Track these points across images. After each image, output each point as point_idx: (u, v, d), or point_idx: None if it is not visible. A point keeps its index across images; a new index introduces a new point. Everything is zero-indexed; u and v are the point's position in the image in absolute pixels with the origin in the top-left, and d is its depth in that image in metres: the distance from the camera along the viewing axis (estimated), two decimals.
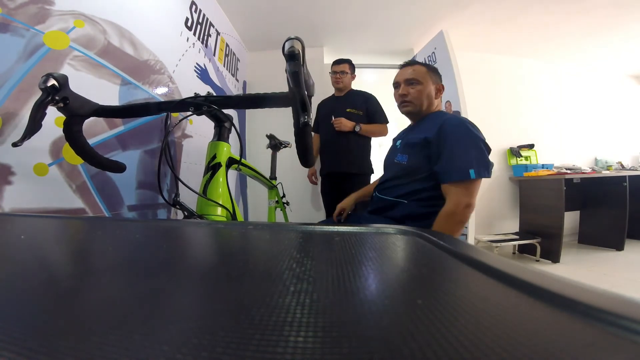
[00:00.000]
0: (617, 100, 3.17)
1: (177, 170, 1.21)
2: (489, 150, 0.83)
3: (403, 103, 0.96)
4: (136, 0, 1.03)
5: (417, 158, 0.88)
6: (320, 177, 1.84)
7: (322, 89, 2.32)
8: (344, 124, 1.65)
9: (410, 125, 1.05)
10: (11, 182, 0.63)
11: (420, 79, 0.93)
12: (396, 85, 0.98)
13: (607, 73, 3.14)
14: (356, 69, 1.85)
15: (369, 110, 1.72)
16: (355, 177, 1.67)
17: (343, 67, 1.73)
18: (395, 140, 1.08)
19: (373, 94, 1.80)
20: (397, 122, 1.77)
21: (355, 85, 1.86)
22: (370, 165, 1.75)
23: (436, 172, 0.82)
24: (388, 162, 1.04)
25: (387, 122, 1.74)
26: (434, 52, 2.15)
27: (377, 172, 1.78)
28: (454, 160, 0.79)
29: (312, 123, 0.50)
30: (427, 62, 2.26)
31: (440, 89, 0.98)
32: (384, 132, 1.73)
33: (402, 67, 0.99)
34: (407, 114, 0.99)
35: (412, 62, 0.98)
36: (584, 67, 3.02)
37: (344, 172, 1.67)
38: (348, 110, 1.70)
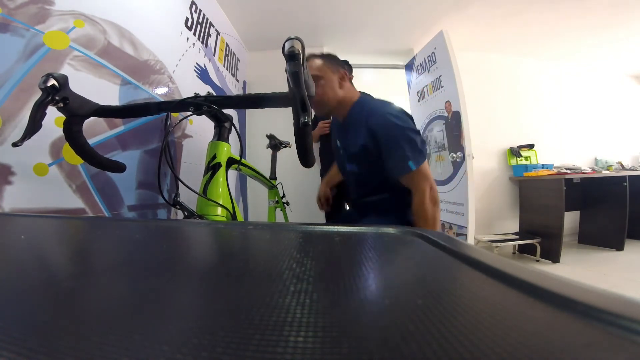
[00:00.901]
0: (617, 100, 3.17)
1: (177, 170, 1.21)
2: (417, 132, 0.86)
3: (315, 108, 0.92)
4: (136, 0, 1.03)
5: (366, 165, 0.91)
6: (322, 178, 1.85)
7: None
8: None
9: (337, 121, 1.01)
10: (11, 182, 0.63)
11: (319, 74, 0.87)
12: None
13: (607, 73, 3.14)
14: (355, 69, 1.85)
15: None
16: None
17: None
18: (335, 140, 1.06)
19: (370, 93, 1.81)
20: None
21: (355, 84, 1.86)
22: None
23: (389, 169, 0.86)
24: (341, 167, 1.06)
25: None
26: (433, 52, 2.15)
27: None
28: (393, 158, 0.84)
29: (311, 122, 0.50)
30: (426, 61, 2.26)
31: (343, 76, 0.91)
32: None
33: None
34: (326, 115, 1.01)
35: (308, 58, 0.90)
36: (584, 67, 3.02)
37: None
38: None
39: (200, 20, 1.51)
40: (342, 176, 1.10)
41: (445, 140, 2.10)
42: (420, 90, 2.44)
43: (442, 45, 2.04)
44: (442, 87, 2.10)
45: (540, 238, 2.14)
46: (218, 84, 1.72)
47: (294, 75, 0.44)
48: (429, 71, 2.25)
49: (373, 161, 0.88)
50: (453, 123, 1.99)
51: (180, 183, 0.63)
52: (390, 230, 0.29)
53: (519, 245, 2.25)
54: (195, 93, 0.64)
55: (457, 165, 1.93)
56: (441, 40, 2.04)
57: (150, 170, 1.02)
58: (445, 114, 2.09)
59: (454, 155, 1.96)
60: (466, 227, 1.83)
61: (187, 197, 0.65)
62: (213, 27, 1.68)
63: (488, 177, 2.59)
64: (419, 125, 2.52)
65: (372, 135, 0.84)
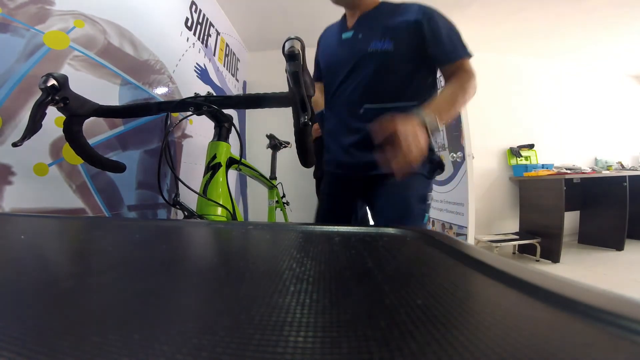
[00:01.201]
0: (617, 100, 3.17)
1: (177, 170, 1.21)
2: None
3: None
4: (136, 0, 1.03)
5: (408, 42, 0.72)
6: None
7: None
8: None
9: (347, 17, 0.83)
10: (11, 182, 0.63)
11: None
12: None
13: (607, 73, 3.14)
14: None
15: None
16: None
17: None
18: (332, 34, 0.86)
19: None
20: None
21: None
22: None
23: (437, 54, 0.73)
24: (347, 56, 0.77)
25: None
26: None
27: None
28: (453, 42, 0.73)
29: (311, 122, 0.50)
30: None
31: None
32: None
33: None
34: (348, 3, 0.79)
35: None
36: (584, 67, 3.02)
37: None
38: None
39: (200, 20, 1.51)
40: (341, 70, 0.79)
41: (445, 140, 2.09)
42: None
43: None
44: (441, 86, 2.11)
45: (540, 238, 2.14)
46: (218, 84, 1.73)
47: (294, 75, 0.44)
48: None
49: (417, 41, 0.72)
50: (453, 123, 1.99)
51: (180, 183, 0.63)
52: (390, 230, 0.29)
53: (519, 245, 2.25)
54: (195, 93, 0.64)
55: (457, 165, 1.92)
56: None
57: (150, 170, 1.02)
58: None
59: (454, 155, 1.96)
60: (466, 227, 1.83)
61: (187, 197, 0.65)
62: (213, 27, 1.68)
63: (488, 177, 2.59)
64: None
65: (430, 17, 0.72)
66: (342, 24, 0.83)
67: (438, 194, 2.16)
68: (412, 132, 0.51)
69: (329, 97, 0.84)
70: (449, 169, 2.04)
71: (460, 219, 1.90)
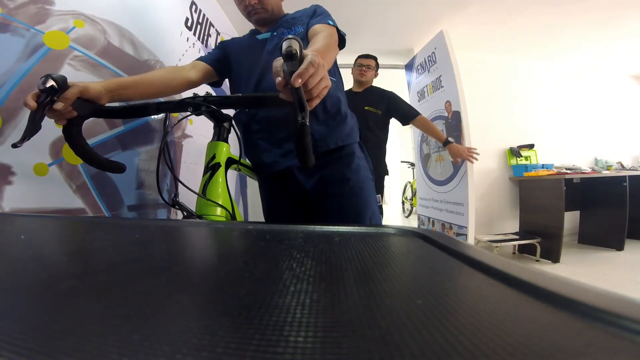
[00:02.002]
0: (617, 100, 3.17)
1: (177, 170, 1.21)
2: None
3: (253, 11, 0.86)
4: (136, 0, 1.03)
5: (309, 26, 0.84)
6: None
7: None
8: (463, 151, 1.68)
9: (257, 29, 0.93)
10: (11, 182, 0.63)
11: None
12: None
13: (607, 73, 3.15)
14: None
15: (390, 109, 1.66)
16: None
17: (370, 62, 1.71)
18: (241, 39, 0.96)
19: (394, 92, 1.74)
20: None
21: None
22: (386, 166, 1.72)
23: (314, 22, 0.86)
24: (251, 60, 0.86)
25: (419, 114, 1.67)
26: (434, 52, 2.15)
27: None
28: (325, 15, 0.87)
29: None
30: (426, 61, 2.26)
31: None
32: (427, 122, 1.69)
33: None
34: (260, 21, 0.88)
35: None
36: (584, 67, 3.02)
37: None
38: (366, 108, 1.63)
39: (200, 20, 1.51)
40: (259, 70, 0.84)
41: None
42: (420, 90, 2.44)
43: (442, 45, 2.03)
44: (442, 87, 2.10)
45: (540, 238, 2.14)
46: None
47: (292, 75, 0.44)
48: (429, 71, 2.25)
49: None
50: (453, 123, 1.99)
51: (179, 183, 0.63)
52: (390, 230, 0.29)
53: (519, 245, 2.25)
54: (194, 93, 0.64)
55: (457, 165, 1.93)
56: (441, 40, 2.03)
57: (150, 170, 1.02)
58: (446, 114, 2.09)
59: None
60: (466, 227, 1.83)
61: (187, 198, 0.65)
62: (213, 27, 1.68)
63: (488, 177, 2.59)
64: None
65: (315, 8, 0.88)
66: (252, 33, 0.95)
67: (438, 194, 2.16)
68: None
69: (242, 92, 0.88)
70: (448, 169, 2.04)
71: (460, 218, 1.90)
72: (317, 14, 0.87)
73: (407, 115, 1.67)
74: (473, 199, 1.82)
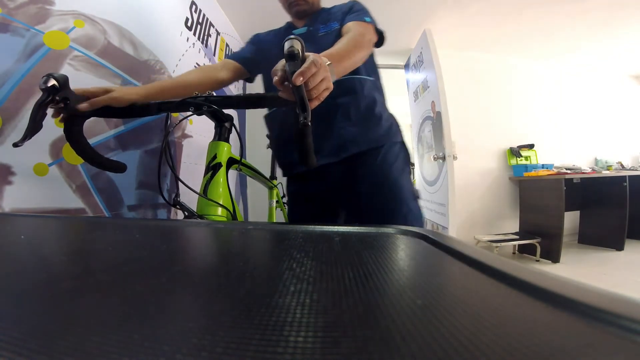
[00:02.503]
0: (617, 100, 3.17)
1: (178, 170, 1.21)
2: None
3: (295, 3, 0.88)
4: (136, 0, 1.03)
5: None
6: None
7: None
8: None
9: (294, 24, 0.94)
10: (11, 182, 0.63)
11: None
12: None
13: (607, 73, 3.15)
14: None
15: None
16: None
17: None
18: (276, 33, 0.95)
19: None
20: None
21: None
22: None
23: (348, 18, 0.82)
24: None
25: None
26: (421, 52, 2.14)
27: None
28: (363, 10, 0.85)
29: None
30: (417, 61, 2.26)
31: None
32: None
33: None
34: (300, 13, 0.90)
35: None
36: (584, 67, 3.02)
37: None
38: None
39: (200, 20, 1.51)
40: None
41: (433, 141, 2.09)
42: (414, 91, 2.43)
43: (426, 45, 2.02)
44: (428, 87, 2.08)
45: (540, 238, 2.14)
46: None
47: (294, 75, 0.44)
48: (419, 71, 2.24)
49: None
50: (438, 123, 1.97)
51: (180, 183, 0.63)
52: (390, 230, 0.29)
53: (519, 245, 2.25)
54: (195, 93, 0.64)
55: (441, 165, 1.91)
56: (425, 40, 2.01)
57: (150, 170, 1.02)
58: (432, 115, 2.07)
59: (435, 155, 1.95)
60: (447, 228, 1.81)
61: (188, 197, 0.65)
62: (213, 27, 1.68)
63: (488, 177, 2.59)
64: (415, 125, 2.52)
65: (352, 4, 0.87)
66: (290, 27, 0.95)
67: (429, 194, 2.16)
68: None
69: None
70: (434, 170, 2.03)
71: (443, 219, 1.89)
72: (353, 11, 0.85)
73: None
74: (454, 200, 1.79)
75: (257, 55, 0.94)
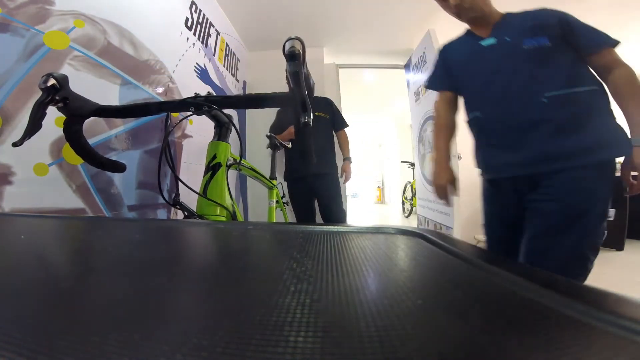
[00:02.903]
0: None
1: (177, 170, 1.21)
2: None
3: (463, 11, 0.86)
4: (136, 0, 1.04)
5: (559, 36, 0.77)
6: (289, 182, 1.77)
7: (322, 89, 2.32)
8: (349, 172, 1.76)
9: (473, 31, 0.90)
10: (11, 182, 0.63)
11: None
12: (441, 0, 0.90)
13: None
14: (356, 69, 1.88)
15: (335, 114, 1.79)
16: (330, 176, 1.71)
17: None
18: (464, 44, 0.91)
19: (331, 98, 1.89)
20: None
21: (355, 85, 1.89)
22: (336, 166, 1.80)
23: (583, 45, 0.76)
24: (497, 57, 0.81)
25: (348, 126, 1.83)
26: (424, 52, 2.14)
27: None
28: (591, 32, 0.77)
29: (312, 123, 0.50)
30: (419, 61, 2.26)
31: None
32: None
33: None
34: (471, 20, 0.88)
35: None
36: None
37: (318, 173, 1.67)
38: (317, 113, 1.71)
39: (200, 20, 1.51)
40: (491, 76, 0.82)
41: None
42: (416, 91, 2.43)
43: (430, 45, 2.02)
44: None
45: None
46: (218, 84, 1.73)
47: (294, 75, 0.44)
48: (421, 71, 2.24)
49: (563, 38, 0.76)
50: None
51: (180, 183, 0.63)
52: (390, 230, 0.29)
53: None
54: (195, 93, 0.64)
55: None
56: (429, 40, 2.02)
57: (150, 170, 1.02)
58: (434, 115, 2.08)
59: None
60: (452, 228, 1.81)
61: (187, 197, 0.65)
62: (213, 27, 1.68)
63: None
64: (416, 125, 2.52)
65: (560, 17, 0.78)
66: (471, 36, 0.90)
67: (430, 194, 2.16)
68: None
69: (473, 101, 0.89)
70: None
71: (447, 219, 1.89)
72: (575, 26, 0.77)
73: (341, 122, 1.80)
74: (458, 200, 1.78)
75: (450, 71, 0.95)
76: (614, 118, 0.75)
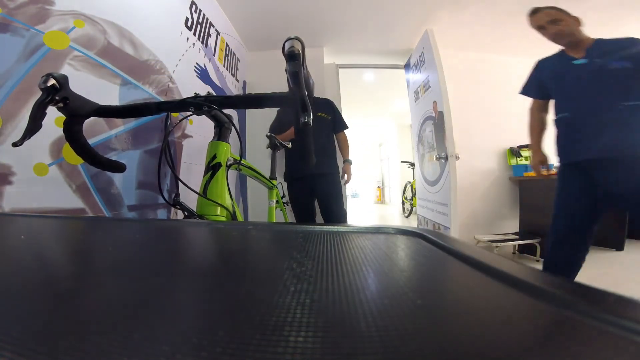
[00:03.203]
0: None
1: (177, 170, 1.21)
2: None
3: (561, 37, 1.11)
4: (136, 0, 1.04)
5: (638, 63, 0.98)
6: (290, 182, 1.78)
7: (322, 89, 2.32)
8: (350, 174, 1.79)
9: (567, 52, 1.13)
10: (11, 182, 0.63)
11: (557, 17, 1.10)
12: (541, 28, 1.15)
13: None
14: (356, 69, 1.89)
15: (336, 116, 1.82)
16: (331, 176, 1.74)
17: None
18: (558, 61, 1.15)
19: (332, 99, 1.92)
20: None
21: (355, 85, 1.89)
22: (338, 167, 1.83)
23: None
24: (587, 74, 1.06)
25: (347, 128, 1.86)
26: (422, 52, 2.14)
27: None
28: None
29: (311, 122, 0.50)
30: (418, 61, 2.26)
31: (577, 19, 1.11)
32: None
33: (533, 14, 1.16)
34: (568, 44, 1.12)
35: (537, 10, 1.15)
36: None
37: (320, 173, 1.70)
38: (319, 114, 1.74)
39: (200, 20, 1.51)
40: (579, 87, 1.07)
41: (434, 141, 2.09)
42: (415, 91, 2.43)
43: (428, 45, 2.02)
44: (430, 87, 2.08)
45: (540, 238, 2.13)
46: (218, 84, 1.73)
47: (294, 75, 0.44)
48: (420, 71, 2.24)
49: None
50: (440, 123, 1.97)
51: (180, 183, 0.63)
52: (390, 230, 0.29)
53: (519, 245, 2.25)
54: (195, 93, 0.64)
55: (443, 165, 1.91)
56: (427, 40, 2.02)
57: (150, 170, 1.02)
58: (433, 114, 2.07)
59: (438, 155, 1.95)
60: (449, 228, 1.81)
61: (187, 197, 0.65)
62: (213, 27, 1.68)
63: (488, 177, 2.59)
64: (416, 125, 2.52)
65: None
66: (565, 56, 1.15)
67: (430, 194, 2.16)
68: None
69: (564, 105, 1.14)
70: (438, 170, 2.03)
71: (445, 219, 1.89)
72: None
73: (341, 124, 1.84)
74: (456, 200, 1.78)
75: (544, 83, 1.21)
76: None
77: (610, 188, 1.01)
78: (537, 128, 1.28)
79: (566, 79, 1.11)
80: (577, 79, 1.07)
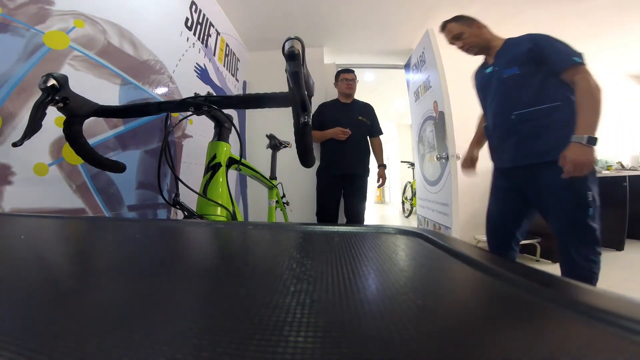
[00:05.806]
0: (617, 100, 3.17)
1: (177, 170, 1.21)
2: None
3: (468, 50, 1.14)
4: (136, 0, 1.04)
5: (527, 67, 0.99)
6: (324, 177, 1.87)
7: (322, 89, 2.31)
8: (384, 178, 1.92)
9: (485, 59, 1.17)
10: (11, 182, 0.63)
11: (459, 31, 1.14)
12: (452, 43, 1.19)
13: (607, 73, 3.14)
14: (356, 69, 1.92)
15: (374, 121, 1.91)
16: (364, 178, 1.85)
17: (353, 76, 1.91)
18: (480, 72, 1.19)
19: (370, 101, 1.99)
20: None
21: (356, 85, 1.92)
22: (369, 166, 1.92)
23: (552, 68, 0.94)
24: (487, 90, 1.11)
25: (382, 134, 1.97)
26: (423, 52, 2.14)
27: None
28: (559, 54, 0.94)
29: (311, 122, 0.50)
30: (419, 61, 2.26)
31: (479, 26, 1.14)
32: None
33: (441, 31, 1.22)
34: (478, 53, 1.15)
35: (444, 26, 1.20)
36: None
37: (355, 174, 1.81)
38: (360, 118, 1.85)
39: (200, 20, 1.51)
40: (487, 101, 1.13)
41: (435, 141, 2.08)
42: (415, 91, 2.43)
43: (429, 45, 2.02)
44: (430, 87, 2.08)
45: (540, 238, 2.13)
46: (218, 84, 1.72)
47: (294, 75, 0.44)
48: (420, 71, 2.24)
49: (534, 63, 0.96)
50: (440, 123, 1.97)
51: (180, 183, 0.63)
52: (390, 230, 0.29)
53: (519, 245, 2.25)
54: (195, 93, 0.64)
55: (444, 165, 1.91)
56: (427, 40, 2.01)
57: (150, 170, 1.02)
58: (434, 114, 2.07)
59: (438, 155, 1.95)
60: (450, 228, 1.81)
61: (187, 197, 0.65)
62: (213, 27, 1.68)
63: (488, 177, 2.58)
64: (416, 125, 2.51)
65: (535, 42, 0.97)
66: (483, 64, 1.19)
67: (431, 194, 2.15)
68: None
69: (486, 114, 1.19)
70: (438, 170, 2.03)
71: (445, 219, 1.89)
72: (545, 51, 0.96)
73: (377, 129, 1.93)
74: (457, 200, 1.78)
75: (476, 91, 1.28)
76: (570, 127, 0.93)
77: (526, 193, 1.07)
78: (476, 135, 1.34)
79: (484, 88, 1.15)
80: (489, 88, 1.11)
